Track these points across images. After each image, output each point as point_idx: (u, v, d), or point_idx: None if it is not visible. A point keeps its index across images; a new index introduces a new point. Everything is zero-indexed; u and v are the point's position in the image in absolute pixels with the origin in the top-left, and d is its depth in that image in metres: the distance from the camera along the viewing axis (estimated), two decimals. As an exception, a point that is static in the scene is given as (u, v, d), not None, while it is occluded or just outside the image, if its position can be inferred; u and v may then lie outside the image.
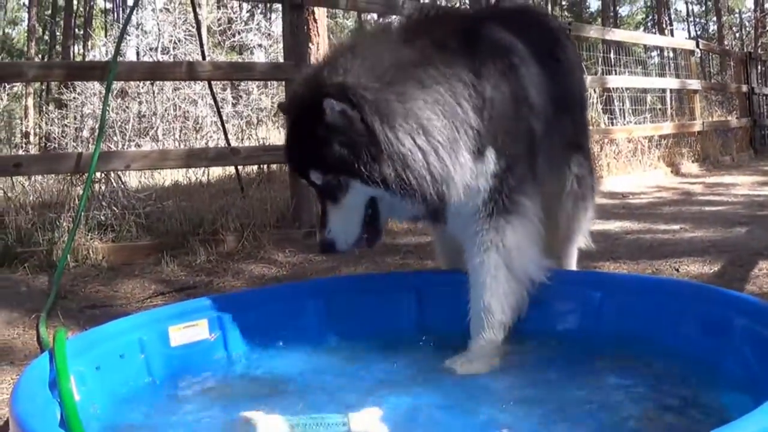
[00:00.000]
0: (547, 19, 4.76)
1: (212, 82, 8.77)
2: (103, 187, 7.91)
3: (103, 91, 15.71)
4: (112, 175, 8.12)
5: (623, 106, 15.19)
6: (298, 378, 3.07)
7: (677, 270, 5.28)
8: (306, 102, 3.11)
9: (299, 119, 3.20)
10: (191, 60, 13.94)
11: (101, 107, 14.40)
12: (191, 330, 3.15)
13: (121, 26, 18.49)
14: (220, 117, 9.23)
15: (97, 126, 15.70)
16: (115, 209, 7.38)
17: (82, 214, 6.39)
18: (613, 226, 7.57)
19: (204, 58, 8.92)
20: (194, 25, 17.06)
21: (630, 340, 3.19)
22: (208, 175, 9.66)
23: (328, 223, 3.20)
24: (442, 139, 3.11)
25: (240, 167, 8.87)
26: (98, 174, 7.30)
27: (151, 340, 3.07)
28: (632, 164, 12.75)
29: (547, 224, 3.86)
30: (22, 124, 25.01)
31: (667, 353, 3.02)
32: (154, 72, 9.00)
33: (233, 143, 11.15)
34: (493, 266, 3.33)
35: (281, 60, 9.91)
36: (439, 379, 3.02)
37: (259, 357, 3.29)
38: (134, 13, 11.14)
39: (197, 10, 9.36)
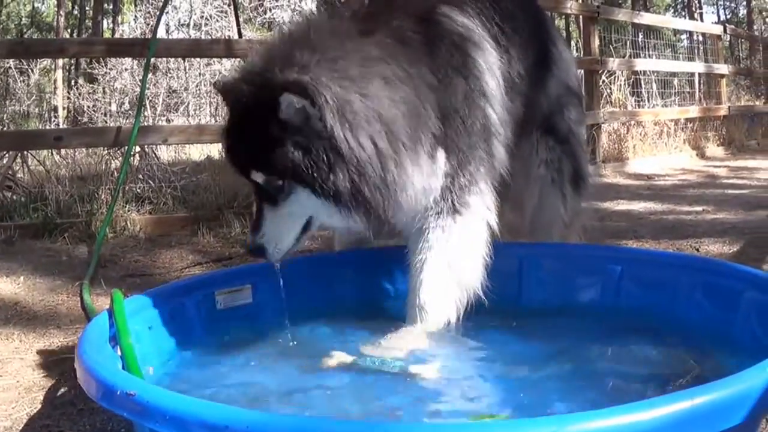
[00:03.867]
0: None
1: (248, 59, 8.85)
2: (137, 161, 8.06)
3: (136, 67, 15.99)
4: (146, 149, 8.28)
5: (651, 89, 15.21)
6: (347, 342, 3.15)
7: (697, 249, 5.40)
8: (257, 96, 2.80)
9: (247, 114, 2.85)
10: (229, 38, 14.10)
11: (135, 82, 14.54)
12: (236, 294, 3.29)
13: (152, 1, 18.58)
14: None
15: (127, 101, 15.90)
16: (152, 183, 7.53)
17: (121, 186, 6.55)
18: (638, 206, 7.70)
19: (240, 35, 9.04)
20: (225, 1, 17.18)
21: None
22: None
23: (263, 227, 2.94)
24: (406, 140, 2.95)
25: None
26: (135, 148, 7.45)
27: (198, 304, 3.22)
28: (658, 146, 12.80)
29: (517, 213, 4.01)
30: (51, 98, 25.09)
31: (680, 325, 3.13)
32: (193, 49, 9.17)
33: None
34: (435, 266, 3.20)
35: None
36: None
37: (300, 320, 3.34)
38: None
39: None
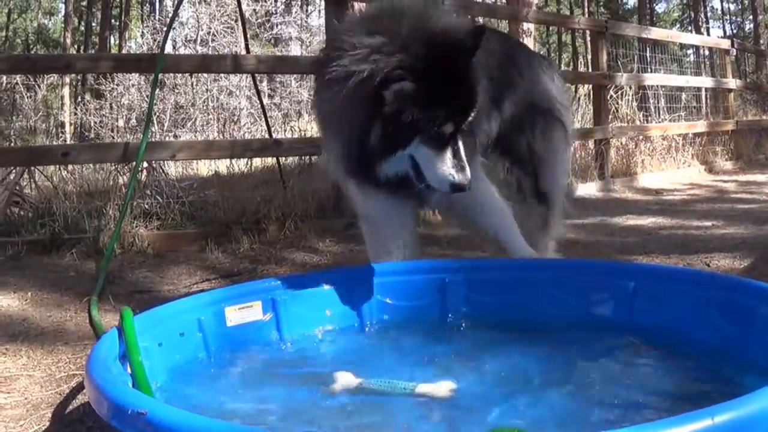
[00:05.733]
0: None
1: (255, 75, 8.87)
2: (145, 177, 8.06)
3: (143, 83, 16.01)
4: (154, 164, 8.28)
5: (658, 103, 15.16)
6: (351, 357, 3.17)
7: (708, 265, 5.35)
8: (463, 44, 3.12)
9: (457, 65, 3.12)
10: (237, 53, 14.08)
11: (142, 98, 14.55)
12: (246, 311, 3.28)
13: (159, 17, 18.62)
14: (264, 109, 9.33)
15: (134, 116, 15.91)
16: (160, 198, 7.51)
17: (129, 202, 6.52)
18: (647, 221, 7.66)
19: (248, 51, 9.03)
20: (232, 17, 17.20)
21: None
22: (251, 165, 9.74)
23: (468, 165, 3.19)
24: None
25: (281, 159, 9.01)
26: (143, 163, 7.45)
27: (208, 320, 3.19)
28: (666, 161, 12.77)
29: None
30: (59, 114, 25.19)
31: (693, 342, 3.08)
32: (201, 65, 9.14)
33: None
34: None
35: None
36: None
37: (310, 337, 3.39)
38: (175, 3, 11.34)
39: (241, 3, 9.47)
